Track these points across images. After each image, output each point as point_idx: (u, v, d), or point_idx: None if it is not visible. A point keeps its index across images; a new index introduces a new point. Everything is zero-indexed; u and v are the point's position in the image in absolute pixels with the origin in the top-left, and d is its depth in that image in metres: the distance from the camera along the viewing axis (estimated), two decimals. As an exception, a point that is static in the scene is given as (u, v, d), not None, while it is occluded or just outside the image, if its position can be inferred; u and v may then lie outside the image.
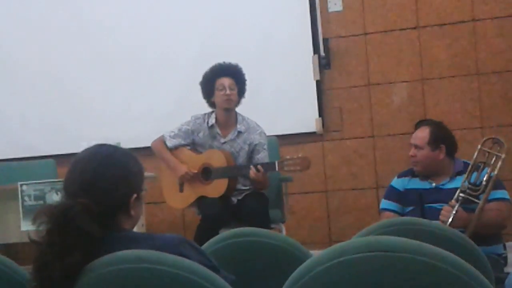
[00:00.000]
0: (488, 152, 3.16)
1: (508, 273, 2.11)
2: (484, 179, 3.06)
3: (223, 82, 4.02)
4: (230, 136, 4.09)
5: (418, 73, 5.10)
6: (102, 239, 1.53)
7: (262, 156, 4.04)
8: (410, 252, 1.33)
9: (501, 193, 3.13)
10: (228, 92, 4.00)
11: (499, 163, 3.09)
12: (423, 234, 1.83)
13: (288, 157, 3.85)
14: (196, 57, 4.85)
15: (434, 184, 3.29)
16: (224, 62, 4.12)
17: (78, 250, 1.47)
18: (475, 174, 3.11)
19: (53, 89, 5.58)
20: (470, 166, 3.12)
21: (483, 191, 3.05)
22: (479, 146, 3.17)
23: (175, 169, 4.08)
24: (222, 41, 5.20)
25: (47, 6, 5.61)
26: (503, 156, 3.10)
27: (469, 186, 3.06)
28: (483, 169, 3.12)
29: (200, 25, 5.34)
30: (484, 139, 3.23)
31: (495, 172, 3.07)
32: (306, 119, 5.17)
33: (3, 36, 5.65)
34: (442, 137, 3.32)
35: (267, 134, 4.29)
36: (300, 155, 3.80)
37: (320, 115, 5.19)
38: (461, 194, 3.06)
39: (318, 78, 5.17)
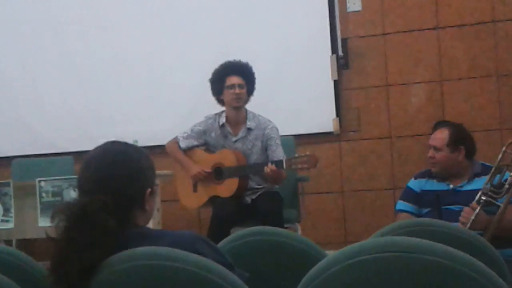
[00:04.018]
0: None
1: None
2: (508, 182, 3.02)
3: (233, 81, 4.02)
4: (241, 134, 4.09)
5: (437, 74, 5.08)
6: (119, 235, 1.54)
7: (275, 150, 4.02)
8: (426, 253, 1.32)
9: (521, 196, 3.09)
10: (237, 91, 4.01)
11: None
12: (440, 236, 1.82)
13: (296, 155, 3.85)
14: (215, 56, 4.84)
15: (451, 186, 3.27)
16: (234, 60, 4.11)
17: (96, 246, 1.48)
18: (497, 176, 3.07)
19: (72, 87, 5.62)
20: (493, 169, 3.07)
21: (505, 194, 3.01)
22: (503, 148, 3.11)
23: (188, 169, 4.10)
24: (240, 40, 5.22)
25: (63, 5, 5.65)
26: None
27: (491, 188, 3.02)
28: (505, 172, 3.07)
29: (218, 25, 5.35)
30: (510, 141, 3.17)
31: None
32: (323, 119, 5.16)
33: (23, 35, 5.70)
34: (462, 139, 3.29)
35: (284, 133, 4.29)
36: (307, 153, 3.79)
37: (337, 115, 5.18)
38: (482, 197, 3.02)
39: (336, 78, 5.17)
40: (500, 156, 3.09)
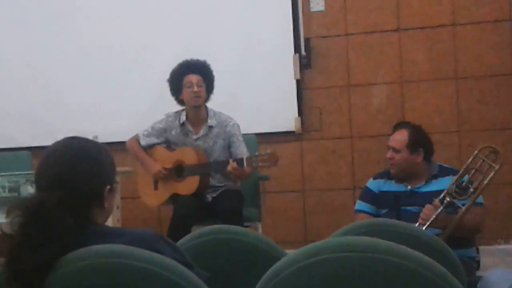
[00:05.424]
0: (483, 160, 3.12)
1: (480, 277, 2.13)
2: (473, 186, 3.05)
3: (191, 79, 4.00)
4: (202, 132, 4.08)
5: (397, 75, 5.13)
6: (77, 232, 1.51)
7: (238, 147, 4.02)
8: (384, 253, 1.33)
9: (478, 198, 3.14)
10: (196, 89, 3.98)
11: (492, 173, 3.04)
12: (399, 236, 1.84)
13: (256, 153, 3.86)
14: (177, 54, 4.81)
15: (409, 187, 3.30)
16: (191, 59, 4.09)
17: (52, 243, 1.46)
18: (464, 178, 3.10)
19: (31, 81, 5.52)
20: (461, 170, 3.10)
21: (468, 197, 3.05)
22: (475, 152, 3.14)
23: (148, 167, 4.07)
24: (203, 39, 5.19)
25: (24, 1, 5.55)
26: (496, 167, 3.06)
27: (456, 189, 3.05)
28: (472, 175, 3.10)
29: (181, 22, 5.31)
30: (482, 146, 3.17)
31: (486, 182, 3.04)
32: (285, 118, 5.17)
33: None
34: (421, 141, 3.32)
35: (247, 132, 4.29)
36: (268, 151, 3.79)
37: (299, 114, 5.20)
38: (446, 197, 3.04)
39: (298, 77, 5.18)
40: (470, 159, 3.11)
